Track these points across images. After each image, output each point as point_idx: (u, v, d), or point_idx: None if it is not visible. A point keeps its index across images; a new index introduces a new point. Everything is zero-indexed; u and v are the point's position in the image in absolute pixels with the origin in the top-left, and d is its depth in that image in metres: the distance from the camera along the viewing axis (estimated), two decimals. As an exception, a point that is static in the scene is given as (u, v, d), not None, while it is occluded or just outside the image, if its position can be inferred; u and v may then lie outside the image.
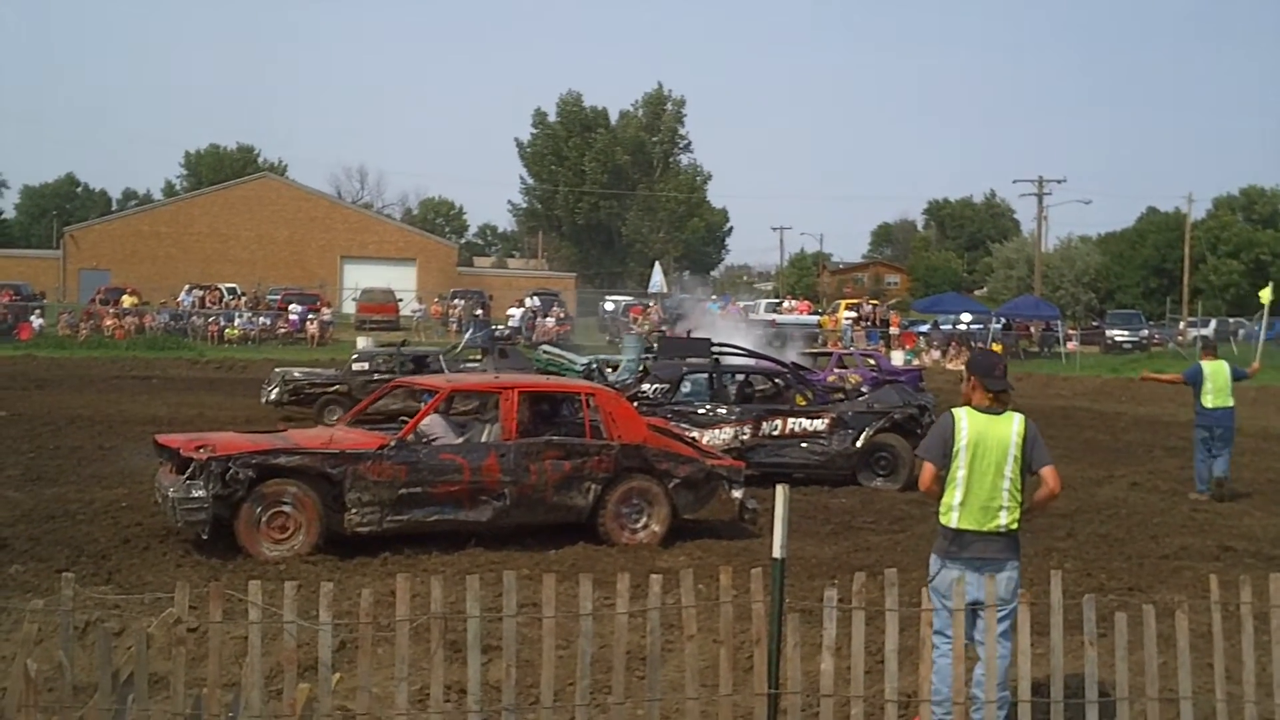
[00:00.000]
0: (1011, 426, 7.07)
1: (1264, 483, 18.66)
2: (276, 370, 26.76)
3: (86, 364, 40.69)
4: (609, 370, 25.38)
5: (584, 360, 26.38)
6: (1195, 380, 17.50)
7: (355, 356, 27.61)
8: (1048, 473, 7.05)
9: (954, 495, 7.06)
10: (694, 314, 36.10)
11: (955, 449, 7.06)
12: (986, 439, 7.04)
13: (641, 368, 20.12)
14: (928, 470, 7.16)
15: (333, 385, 25.78)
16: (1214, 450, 17.22)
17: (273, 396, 25.25)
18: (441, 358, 28.59)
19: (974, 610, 6.70)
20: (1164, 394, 21.72)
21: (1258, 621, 6.47)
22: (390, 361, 26.94)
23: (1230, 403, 17.32)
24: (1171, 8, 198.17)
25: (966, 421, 7.09)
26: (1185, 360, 32.80)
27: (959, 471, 7.04)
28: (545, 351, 28.89)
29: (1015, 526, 7.01)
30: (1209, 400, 17.25)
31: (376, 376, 26.00)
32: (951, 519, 7.07)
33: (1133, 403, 35.17)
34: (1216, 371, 17.40)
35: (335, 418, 24.74)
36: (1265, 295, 21.48)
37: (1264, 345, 27.29)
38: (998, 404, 7.16)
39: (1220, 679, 6.42)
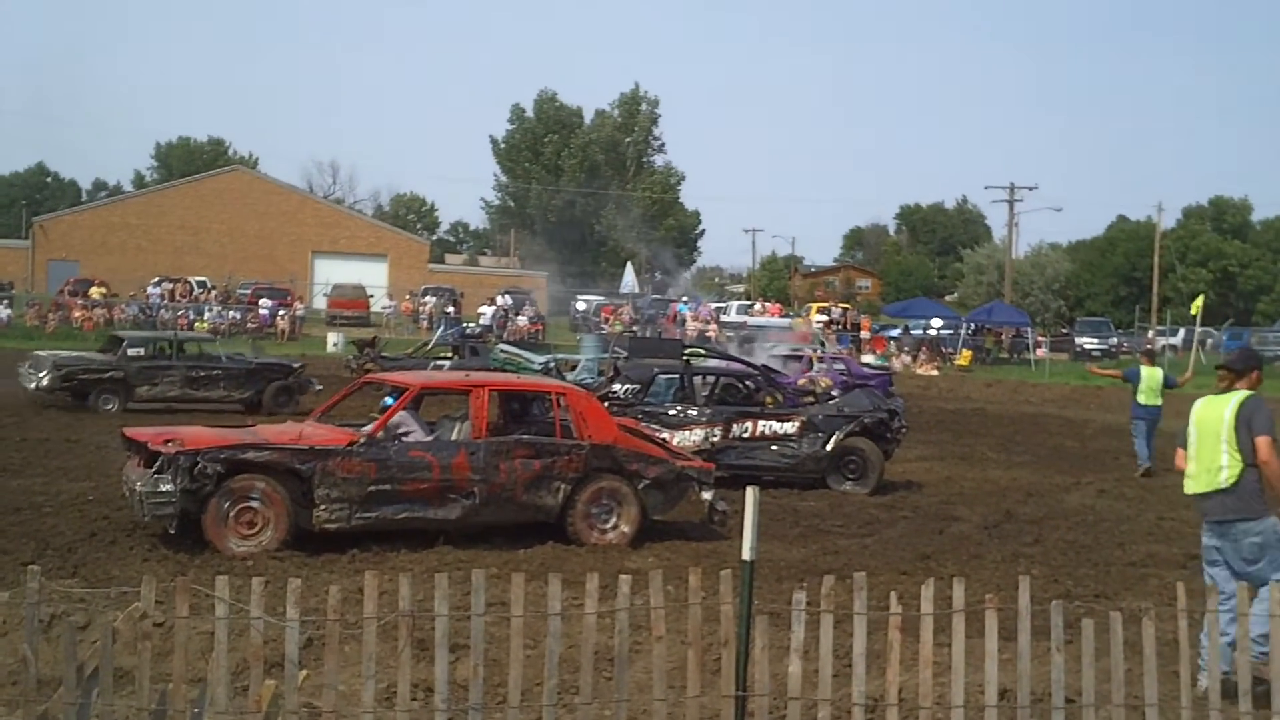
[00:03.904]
0: (1229, 403, 8.23)
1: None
2: (42, 355, 26.00)
3: (54, 355, 40.39)
4: (568, 370, 25.43)
5: (542, 359, 26.43)
6: (1134, 379, 20.88)
7: (127, 342, 26.25)
8: (1258, 442, 8.05)
9: (1189, 466, 8.43)
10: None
11: (1189, 430, 8.45)
12: (1206, 415, 8.34)
13: (612, 367, 20.09)
14: (1179, 454, 8.61)
15: (107, 371, 25.03)
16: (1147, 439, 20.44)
17: (44, 384, 24.36)
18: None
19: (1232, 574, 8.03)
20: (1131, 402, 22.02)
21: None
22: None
23: (1159, 402, 20.62)
24: (1146, 17, 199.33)
25: (1196, 407, 8.51)
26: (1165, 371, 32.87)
27: (1190, 447, 8.40)
28: (503, 350, 28.96)
29: (1234, 482, 8.07)
30: (1143, 399, 20.61)
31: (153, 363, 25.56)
32: (1187, 486, 8.47)
33: (1101, 410, 35.32)
34: (1151, 375, 20.76)
35: (110, 406, 24.33)
36: (1196, 306, 26.21)
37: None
38: (1227, 387, 8.43)
39: (1186, 686, 6.45)
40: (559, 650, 5.97)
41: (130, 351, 25.52)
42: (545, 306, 67.80)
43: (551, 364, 25.92)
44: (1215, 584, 7.70)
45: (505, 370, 24.17)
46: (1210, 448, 8.21)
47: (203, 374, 25.90)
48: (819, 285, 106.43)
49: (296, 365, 28.00)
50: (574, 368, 26.26)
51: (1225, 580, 7.98)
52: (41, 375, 24.48)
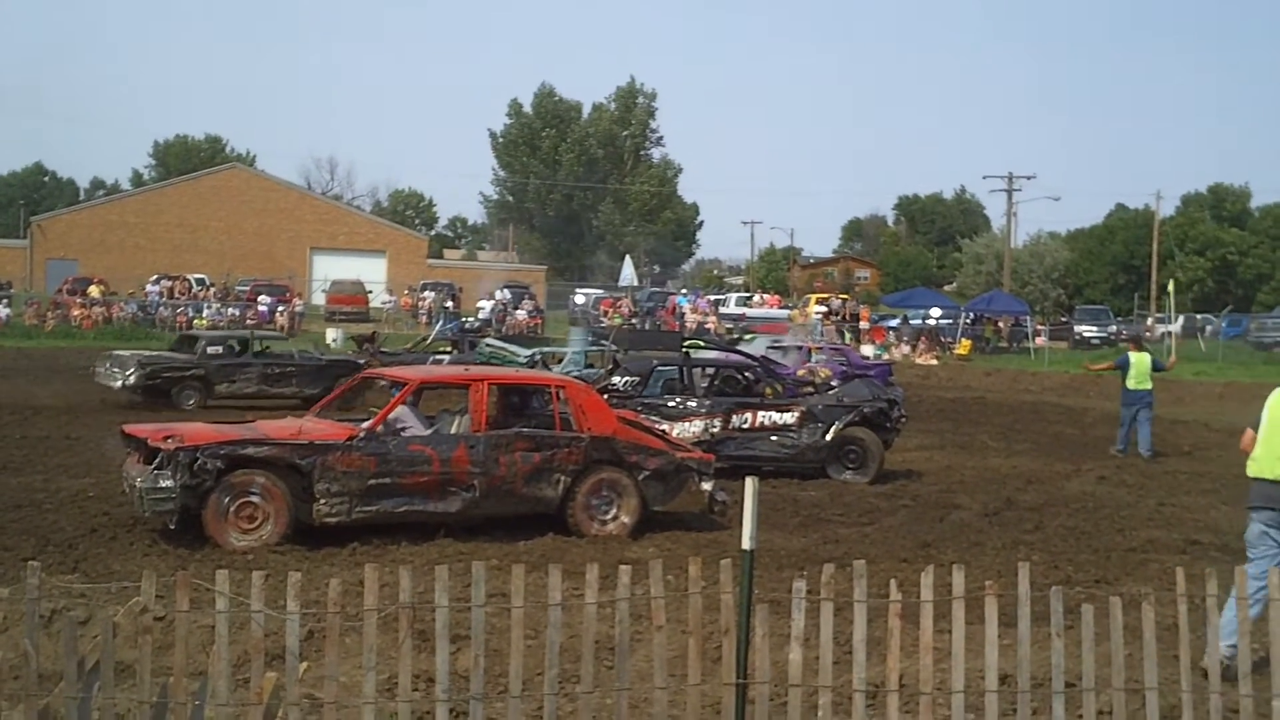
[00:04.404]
0: None
1: (1231, 478, 18.72)
2: (124, 354, 26.32)
3: (53, 354, 40.40)
4: (554, 363, 25.45)
5: (528, 352, 26.43)
6: (1124, 366, 21.74)
7: (206, 340, 26.93)
8: None
9: (1256, 449, 8.68)
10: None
11: (1262, 414, 8.68)
12: None
13: (610, 360, 20.07)
14: (1247, 433, 8.87)
15: (189, 369, 25.41)
16: (1138, 423, 21.28)
17: (130, 382, 24.62)
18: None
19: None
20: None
21: (1223, 613, 6.51)
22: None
23: (1149, 386, 21.44)
24: (1144, 7, 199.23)
25: (1274, 395, 8.73)
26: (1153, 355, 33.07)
27: (1261, 430, 8.64)
28: (488, 344, 28.97)
29: None
30: (1132, 383, 21.39)
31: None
32: (1250, 469, 8.73)
33: (1100, 397, 35.31)
34: (1140, 360, 21.62)
35: (191, 402, 24.63)
36: (1169, 291, 30.16)
37: (1224, 343, 31.78)
38: None
39: (1186, 670, 6.45)
40: (560, 640, 5.98)
41: (209, 350, 26.01)
42: (544, 300, 67.79)
43: (537, 357, 25.92)
44: (1253, 568, 7.98)
45: (491, 363, 24.26)
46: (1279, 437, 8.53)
47: (277, 371, 26.29)
48: (818, 276, 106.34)
49: (362, 362, 28.15)
50: (561, 360, 26.23)
51: (1266, 563, 8.25)
52: (128, 373, 24.78)
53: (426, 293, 62.24)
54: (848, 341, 49.41)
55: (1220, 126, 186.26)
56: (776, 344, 32.87)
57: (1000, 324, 59.92)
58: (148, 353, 27.27)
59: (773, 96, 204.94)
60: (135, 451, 12.32)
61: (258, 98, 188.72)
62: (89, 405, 24.47)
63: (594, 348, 28.23)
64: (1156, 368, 22.30)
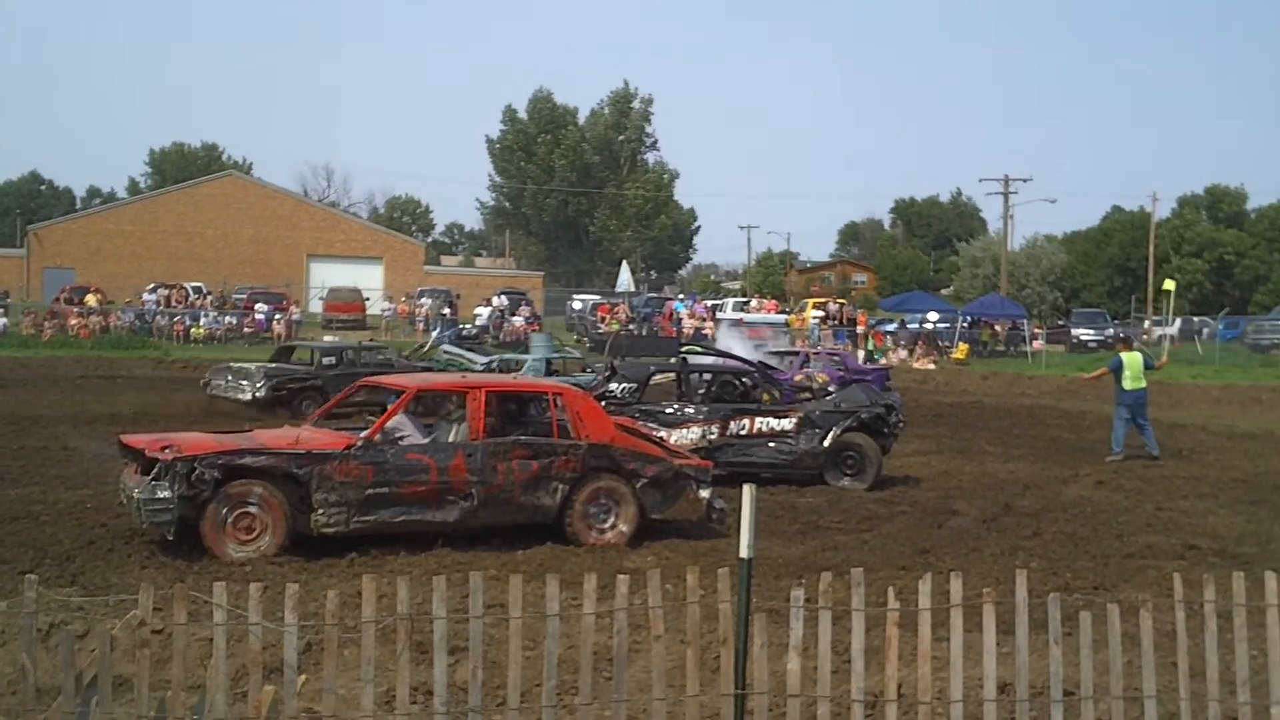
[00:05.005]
0: None
1: (1229, 481, 18.77)
2: (249, 367, 26.57)
3: (51, 364, 40.39)
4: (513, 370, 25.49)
5: (484, 360, 26.45)
6: (1117, 368, 21.56)
7: (321, 352, 27.59)
8: None
9: None
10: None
11: None
12: None
13: (609, 367, 20.03)
14: None
15: (308, 380, 26.05)
16: (1139, 423, 21.38)
17: (260, 395, 25.11)
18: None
19: None
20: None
21: (1221, 620, 6.50)
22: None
23: (1143, 384, 21.53)
24: (1139, 7, 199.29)
25: None
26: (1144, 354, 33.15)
27: None
28: (445, 351, 29.00)
29: None
30: (1128, 384, 21.30)
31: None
32: None
33: (1098, 401, 35.29)
34: (1132, 360, 21.56)
35: (311, 412, 25.05)
36: (1169, 285, 30.03)
37: (1221, 345, 32.48)
38: None
39: (1184, 677, 6.45)
40: (558, 651, 5.97)
41: (325, 361, 26.84)
42: (541, 306, 67.75)
43: (495, 364, 25.94)
44: None
45: (448, 371, 24.34)
46: None
47: None
48: (815, 281, 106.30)
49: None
50: (520, 368, 26.17)
51: None
52: (258, 386, 25.33)
53: (423, 299, 62.22)
54: (869, 347, 49.57)
55: (1216, 128, 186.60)
56: (759, 346, 32.99)
57: (997, 328, 59.91)
58: (271, 365, 27.64)
59: (768, 100, 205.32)
60: (133, 462, 12.27)
61: (254, 105, 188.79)
62: (87, 416, 24.44)
63: (556, 355, 28.26)
64: (1148, 365, 22.45)
